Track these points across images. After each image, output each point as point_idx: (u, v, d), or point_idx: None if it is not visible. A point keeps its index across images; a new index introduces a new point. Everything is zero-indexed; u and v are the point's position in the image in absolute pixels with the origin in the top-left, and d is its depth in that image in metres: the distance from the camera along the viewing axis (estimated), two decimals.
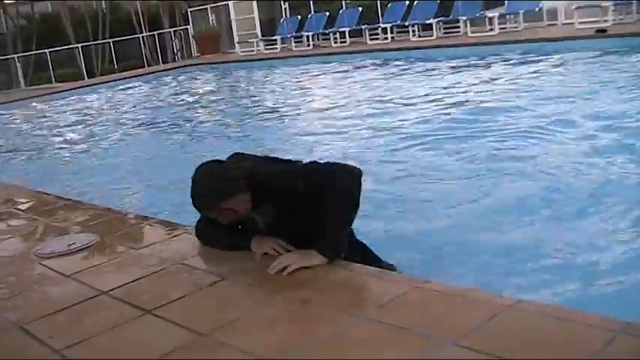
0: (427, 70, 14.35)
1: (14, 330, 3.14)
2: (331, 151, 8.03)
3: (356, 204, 3.29)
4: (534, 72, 12.08)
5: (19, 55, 26.30)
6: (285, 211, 3.45)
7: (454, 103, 10.16)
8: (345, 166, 3.40)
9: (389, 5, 20.46)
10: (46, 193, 6.42)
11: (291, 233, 3.48)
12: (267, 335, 2.74)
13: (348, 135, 8.97)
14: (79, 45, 26.36)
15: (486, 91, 10.71)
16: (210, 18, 26.25)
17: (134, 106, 16.03)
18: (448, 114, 9.43)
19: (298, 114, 11.51)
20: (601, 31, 14.05)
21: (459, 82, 12.01)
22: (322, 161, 3.58)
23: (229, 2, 25.40)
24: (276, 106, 12.63)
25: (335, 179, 3.27)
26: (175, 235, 4.26)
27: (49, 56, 24.99)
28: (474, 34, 17.51)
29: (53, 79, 24.51)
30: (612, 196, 5.34)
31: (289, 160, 3.66)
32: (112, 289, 3.42)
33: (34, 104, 19.33)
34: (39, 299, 3.56)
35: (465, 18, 17.98)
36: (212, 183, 3.34)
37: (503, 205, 5.50)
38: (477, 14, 18.06)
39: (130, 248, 4.17)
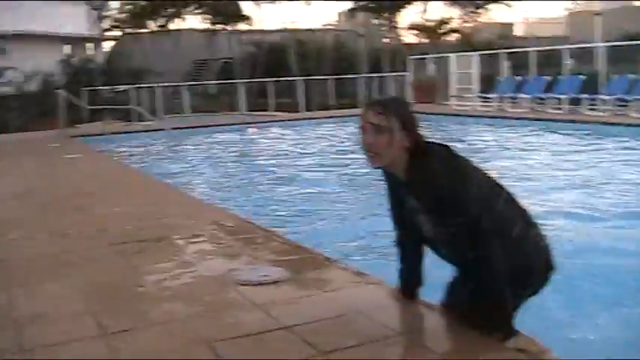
0: None
1: (202, 346, 3.47)
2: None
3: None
4: None
5: (243, 81, 27.72)
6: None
7: None
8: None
9: (612, 77, 19.92)
10: (247, 221, 6.83)
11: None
12: None
13: (549, 209, 8.85)
14: (301, 78, 27.43)
15: None
16: (430, 68, 26.59)
17: (344, 144, 16.48)
18: None
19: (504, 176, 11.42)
20: None
21: None
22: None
23: (451, 55, 25.66)
24: (479, 162, 12.60)
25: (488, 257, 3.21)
26: (360, 283, 4.48)
27: (271, 85, 26.22)
28: None
29: (272, 107, 25.65)
30: None
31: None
32: (295, 325, 3.68)
33: (250, 129, 20.37)
34: (228, 322, 3.88)
35: None
36: (397, 97, 3.45)
37: None
38: None
39: (317, 289, 4.42)
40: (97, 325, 3.82)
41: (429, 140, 3.39)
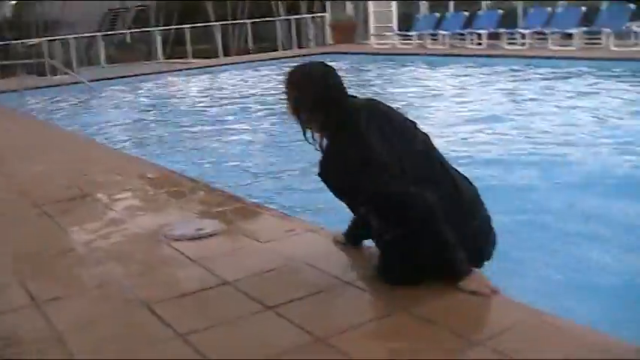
0: (564, 80, 14.00)
1: (142, 308, 3.31)
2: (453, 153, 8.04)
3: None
4: None
5: (160, 28, 27.07)
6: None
7: (582, 118, 10.03)
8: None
9: (530, 11, 20.07)
10: (175, 173, 6.65)
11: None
12: (376, 347, 2.85)
13: (470, 139, 8.93)
14: (218, 23, 26.90)
15: (616, 109, 10.45)
16: (348, 8, 26.39)
17: (264, 89, 16.27)
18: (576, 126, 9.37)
19: (426, 111, 11.42)
20: None
21: (593, 97, 11.69)
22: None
23: None
24: (403, 102, 12.52)
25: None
26: (297, 231, 4.37)
27: (187, 32, 25.65)
28: (617, 48, 16.92)
29: (190, 55, 25.15)
30: None
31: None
32: (236, 280, 3.55)
33: (169, 78, 19.93)
34: (166, 281, 3.73)
35: (608, 30, 17.40)
36: (310, 72, 3.56)
37: None
38: (623, 27, 17.40)
39: (255, 240, 4.28)
40: (29, 294, 3.61)
41: (350, 103, 3.47)
